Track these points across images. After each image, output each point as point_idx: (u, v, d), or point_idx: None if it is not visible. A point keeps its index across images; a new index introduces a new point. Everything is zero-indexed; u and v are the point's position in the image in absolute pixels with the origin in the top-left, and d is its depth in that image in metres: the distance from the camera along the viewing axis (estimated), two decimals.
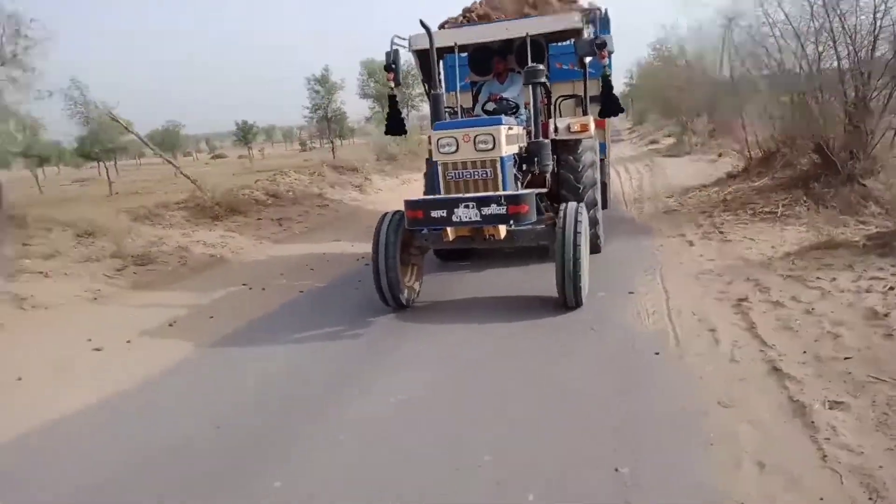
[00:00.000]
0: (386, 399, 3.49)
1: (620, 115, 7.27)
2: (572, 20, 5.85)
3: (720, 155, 13.68)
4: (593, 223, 6.00)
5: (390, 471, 2.77)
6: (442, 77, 6.32)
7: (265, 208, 10.41)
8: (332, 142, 37.75)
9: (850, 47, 7.74)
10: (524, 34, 5.76)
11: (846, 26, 7.78)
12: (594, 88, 6.29)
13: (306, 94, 34.64)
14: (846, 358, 3.34)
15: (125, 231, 7.52)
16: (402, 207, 4.92)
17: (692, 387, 3.29)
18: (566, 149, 6.13)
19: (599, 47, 5.60)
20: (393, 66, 5.98)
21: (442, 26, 6.73)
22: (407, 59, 7.01)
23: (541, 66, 5.30)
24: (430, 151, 6.09)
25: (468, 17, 7.55)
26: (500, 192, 4.77)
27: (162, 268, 6.98)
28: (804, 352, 3.51)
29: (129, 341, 4.81)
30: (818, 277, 4.70)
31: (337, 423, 3.27)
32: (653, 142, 23.35)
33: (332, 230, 9.48)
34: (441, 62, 6.43)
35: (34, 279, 6.02)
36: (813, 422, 2.78)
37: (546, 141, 5.57)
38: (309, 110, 36.02)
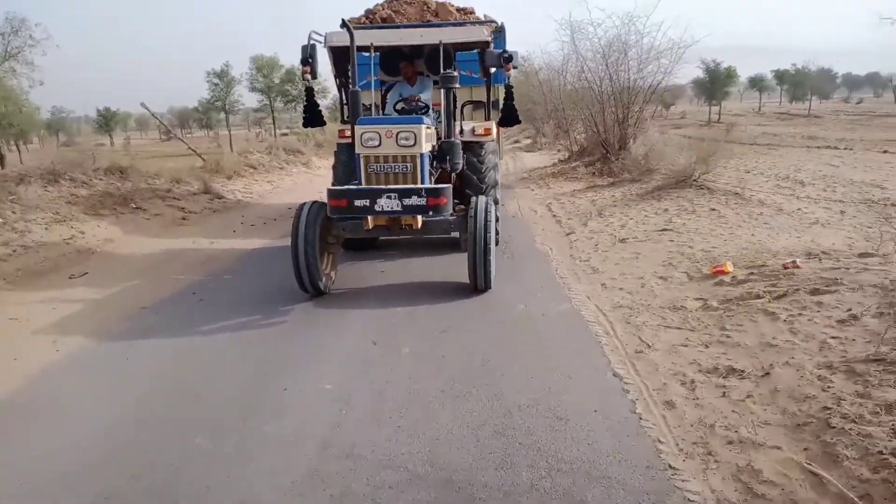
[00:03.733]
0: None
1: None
2: (482, 34, 6.44)
3: (559, 150, 20.58)
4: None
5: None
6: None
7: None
8: (228, 131, 41.25)
9: (618, 87, 14.57)
10: (437, 42, 6.08)
11: (619, 75, 14.59)
12: (494, 95, 7.32)
13: (205, 87, 38.15)
14: (577, 211, 9.57)
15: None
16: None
17: (526, 224, 9.22)
18: (471, 149, 6.79)
19: (507, 60, 6.08)
20: (310, 59, 5.97)
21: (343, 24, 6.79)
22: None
23: (455, 73, 5.73)
24: (338, 144, 6.89)
25: (371, 19, 8.25)
26: (421, 186, 5.26)
27: None
28: (566, 212, 9.70)
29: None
30: (581, 196, 11.07)
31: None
32: (516, 142, 30.43)
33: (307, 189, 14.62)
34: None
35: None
36: (560, 221, 8.89)
37: (458, 141, 6.08)
38: (207, 101, 39.46)
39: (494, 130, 7.11)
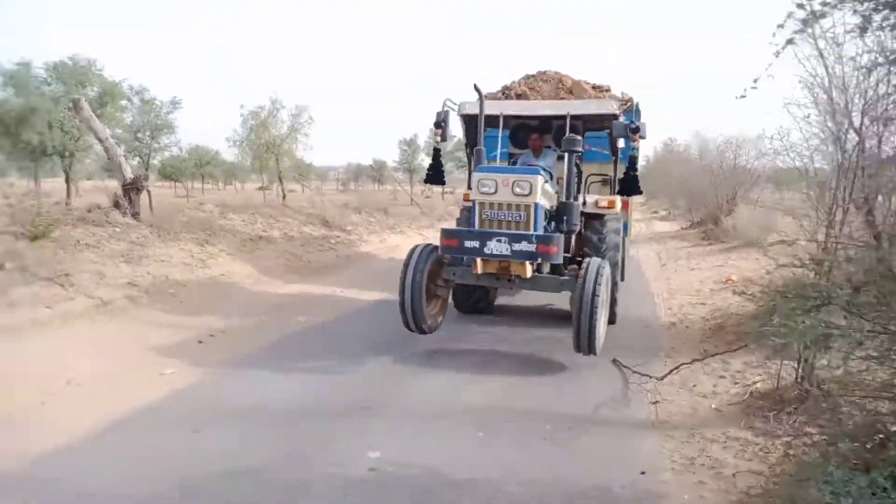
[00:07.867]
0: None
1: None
2: (610, 106, 6.85)
3: (686, 220, 25.70)
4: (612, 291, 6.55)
5: None
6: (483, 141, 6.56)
7: None
8: (411, 187, 50.90)
9: (729, 177, 19.80)
10: (566, 113, 6.62)
11: (731, 168, 19.83)
12: (621, 171, 7.48)
13: (397, 152, 48.60)
14: (675, 257, 15.08)
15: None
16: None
17: (639, 260, 14.93)
18: (591, 226, 7.05)
19: (634, 132, 6.54)
20: (442, 123, 6.72)
21: (475, 88, 7.03)
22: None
23: (578, 137, 6.09)
24: (464, 196, 7.39)
25: (506, 95, 8.77)
26: (531, 232, 5.47)
27: None
28: (667, 257, 15.29)
29: None
30: (683, 250, 16.53)
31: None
32: (654, 212, 35.58)
33: None
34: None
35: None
36: (661, 260, 14.54)
37: (576, 203, 6.17)
38: (398, 163, 49.59)
39: (619, 204, 7.42)
